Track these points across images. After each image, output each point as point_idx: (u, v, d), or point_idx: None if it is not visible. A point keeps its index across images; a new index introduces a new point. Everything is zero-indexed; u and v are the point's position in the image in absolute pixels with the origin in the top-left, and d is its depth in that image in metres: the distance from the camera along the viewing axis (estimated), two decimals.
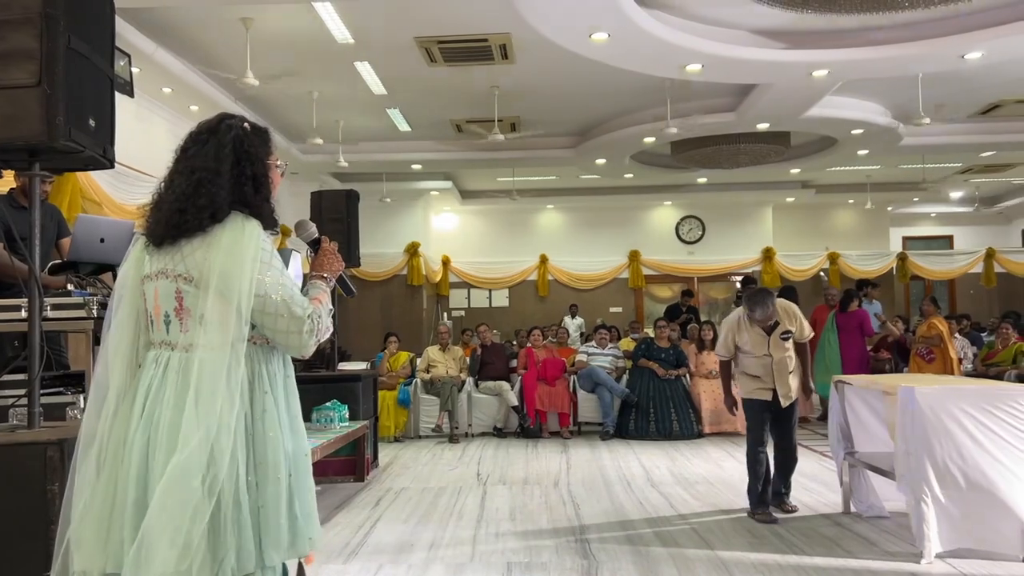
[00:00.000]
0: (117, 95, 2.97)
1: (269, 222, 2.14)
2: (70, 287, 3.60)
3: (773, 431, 5.18)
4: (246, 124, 2.17)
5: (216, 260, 2.00)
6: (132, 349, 2.09)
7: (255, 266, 2.01)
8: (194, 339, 2.00)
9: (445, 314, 15.14)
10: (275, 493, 1.99)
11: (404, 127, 10.33)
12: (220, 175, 2.06)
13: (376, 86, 8.54)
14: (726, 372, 5.43)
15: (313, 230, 2.43)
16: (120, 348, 2.08)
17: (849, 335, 9.00)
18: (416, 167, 12.05)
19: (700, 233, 15.66)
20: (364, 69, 8.02)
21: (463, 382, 9.15)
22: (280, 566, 2.05)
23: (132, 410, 1.99)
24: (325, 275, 2.29)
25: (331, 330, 2.19)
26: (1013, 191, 15.82)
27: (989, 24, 6.81)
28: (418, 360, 9.48)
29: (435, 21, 6.82)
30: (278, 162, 2.26)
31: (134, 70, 6.84)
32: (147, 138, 7.83)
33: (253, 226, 2.07)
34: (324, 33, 6.94)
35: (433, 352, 9.39)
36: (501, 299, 15.60)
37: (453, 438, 8.73)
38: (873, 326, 9.32)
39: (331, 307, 2.21)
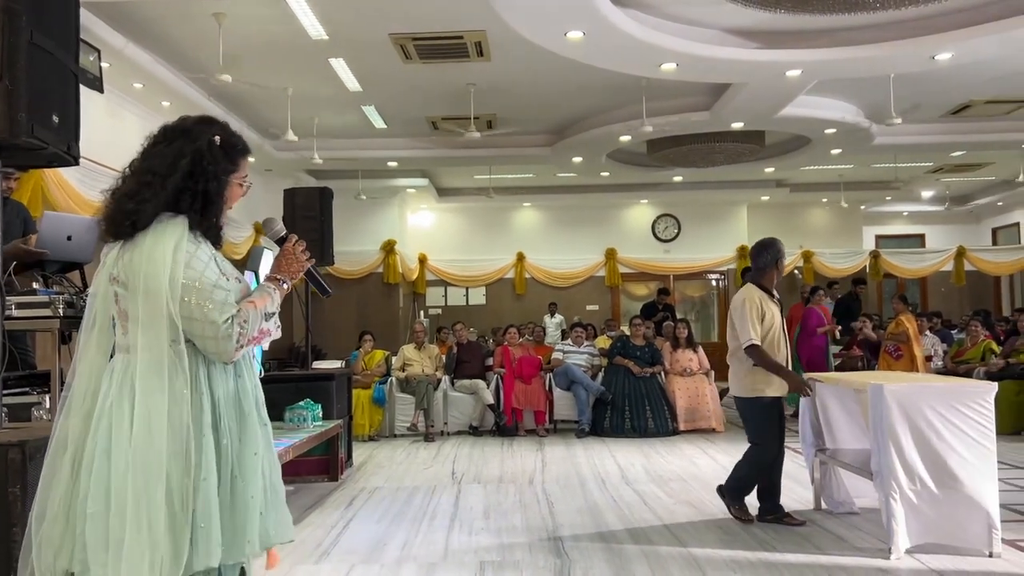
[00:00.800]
0: (86, 90, 2.93)
1: (210, 237, 2.11)
2: (35, 285, 3.55)
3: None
4: (217, 137, 2.11)
5: (140, 262, 1.98)
6: (98, 351, 2.06)
7: (176, 267, 1.97)
8: (132, 341, 1.99)
9: (422, 312, 15.10)
10: (205, 495, 1.95)
11: (380, 124, 10.28)
12: (165, 183, 2.03)
13: (351, 83, 8.49)
14: (766, 356, 4.65)
15: (279, 228, 2.39)
16: (85, 351, 2.06)
17: (802, 333, 9.16)
18: (392, 164, 12.00)
19: (676, 231, 15.74)
20: (339, 66, 7.97)
21: (439, 380, 9.12)
22: (220, 569, 2.01)
23: (92, 412, 1.99)
24: (279, 277, 2.22)
25: (274, 335, 2.15)
26: (983, 190, 16.05)
27: (958, 25, 6.90)
28: (393, 359, 9.44)
29: (410, 18, 6.79)
30: (243, 180, 2.21)
31: (104, 65, 6.75)
32: (118, 134, 7.73)
33: (176, 224, 2.03)
34: (298, 29, 6.89)
35: (408, 350, 9.35)
36: (478, 297, 15.59)
37: (428, 437, 8.70)
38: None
39: (273, 310, 2.15)
